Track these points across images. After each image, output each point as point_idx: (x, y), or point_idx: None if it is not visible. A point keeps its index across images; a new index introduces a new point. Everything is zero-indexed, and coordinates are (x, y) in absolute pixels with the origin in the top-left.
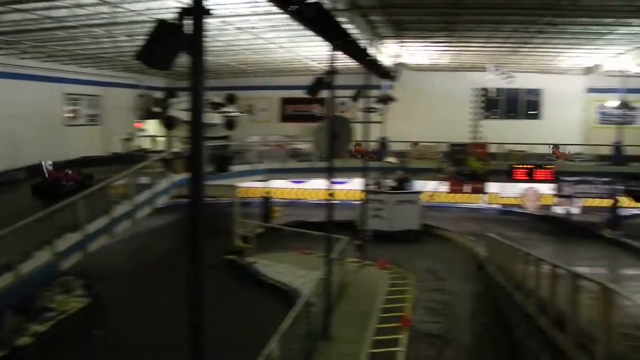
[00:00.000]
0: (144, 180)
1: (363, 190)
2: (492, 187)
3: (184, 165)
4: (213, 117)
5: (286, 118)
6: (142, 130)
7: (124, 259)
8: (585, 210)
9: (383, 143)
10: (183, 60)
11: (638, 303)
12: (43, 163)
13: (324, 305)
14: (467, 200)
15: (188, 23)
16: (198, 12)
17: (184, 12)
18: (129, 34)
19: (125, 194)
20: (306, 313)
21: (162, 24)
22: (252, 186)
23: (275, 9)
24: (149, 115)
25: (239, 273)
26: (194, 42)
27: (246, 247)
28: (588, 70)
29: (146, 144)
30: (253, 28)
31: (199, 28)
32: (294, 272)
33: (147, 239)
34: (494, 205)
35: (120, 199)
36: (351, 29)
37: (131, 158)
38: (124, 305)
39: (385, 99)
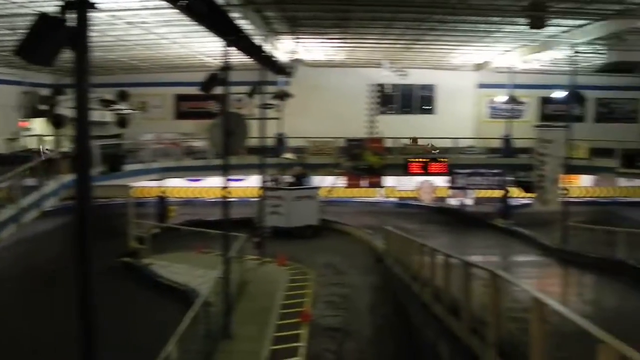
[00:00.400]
0: (30, 182)
1: (261, 187)
2: (389, 180)
3: (71, 166)
4: (104, 115)
5: (181, 115)
6: (28, 129)
7: (10, 265)
8: (478, 201)
9: (280, 139)
10: (68, 55)
11: (524, 288)
12: None
13: (223, 304)
14: (365, 194)
15: (72, 17)
16: (82, 5)
17: (67, 5)
18: (10, 27)
19: (9, 197)
20: (205, 313)
21: (43, 17)
22: (146, 185)
23: (165, 3)
24: (34, 113)
25: (134, 275)
26: (78, 37)
27: (142, 248)
28: (478, 67)
29: (32, 143)
30: (144, 23)
31: (83, 22)
32: (192, 272)
33: (35, 244)
34: (391, 199)
35: (4, 203)
36: (245, 24)
37: (16, 159)
38: (8, 311)
39: (282, 95)
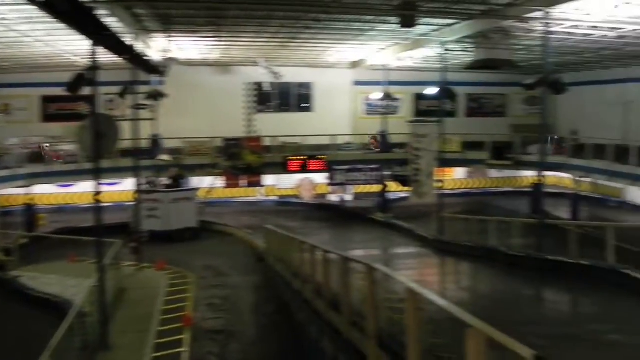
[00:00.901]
0: None
1: (136, 191)
2: (269, 179)
3: None
4: None
5: (49, 118)
6: None
7: None
8: (358, 196)
9: (155, 140)
10: None
11: (398, 279)
12: None
13: (100, 314)
14: (245, 194)
15: None
16: None
17: None
18: None
19: None
20: (80, 324)
21: None
22: (12, 193)
23: None
24: None
25: (2, 289)
26: None
27: (9, 260)
28: (354, 65)
29: None
30: (3, 19)
31: None
32: (65, 282)
33: None
34: (272, 197)
35: None
36: (113, 22)
37: None
38: None
39: (156, 95)
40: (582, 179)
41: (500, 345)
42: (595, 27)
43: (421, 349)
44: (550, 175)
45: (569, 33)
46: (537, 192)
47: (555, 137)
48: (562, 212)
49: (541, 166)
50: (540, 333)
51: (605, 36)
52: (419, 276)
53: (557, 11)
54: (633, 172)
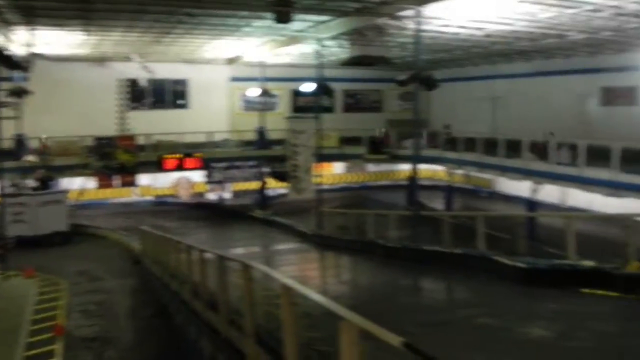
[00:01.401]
0: None
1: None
2: (144, 179)
3: None
4: None
5: None
6: None
7: None
8: (237, 194)
9: (20, 140)
10: None
11: (273, 275)
12: None
13: None
14: (119, 194)
15: None
16: None
17: None
18: None
19: None
20: None
21: None
22: None
23: None
24: None
25: None
26: None
27: None
28: (231, 61)
29: None
30: None
31: None
32: None
33: None
34: (148, 198)
35: None
36: None
37: None
38: None
39: (19, 92)
40: (455, 171)
41: (373, 335)
42: (463, 27)
43: (297, 343)
44: (425, 168)
45: (439, 31)
46: (412, 185)
47: (429, 131)
48: (437, 203)
49: (415, 160)
50: (416, 321)
51: (473, 35)
52: (300, 271)
53: (428, 10)
54: (501, 164)
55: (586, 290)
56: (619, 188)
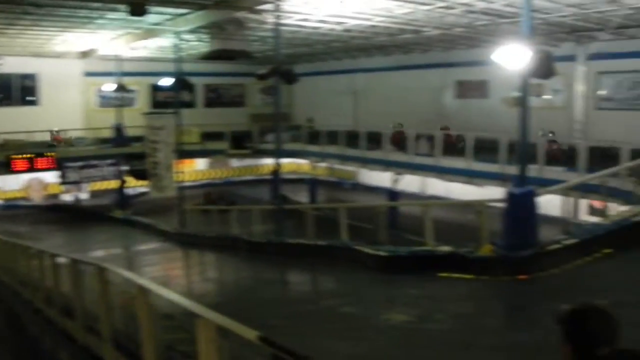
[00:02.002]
0: None
1: None
2: None
3: None
4: None
5: None
6: None
7: None
8: (95, 194)
9: None
10: None
11: (127, 277)
12: None
13: None
14: None
15: None
16: None
17: None
18: None
19: None
20: None
21: None
22: None
23: None
24: None
25: None
26: None
27: None
28: (84, 54)
29: None
30: None
31: None
32: None
33: None
34: None
35: None
36: None
37: None
38: None
39: None
40: (319, 164)
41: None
42: (323, 21)
43: (156, 344)
44: (289, 162)
45: (299, 25)
46: (275, 179)
47: (292, 125)
48: (302, 196)
49: (278, 154)
50: (280, 313)
51: (333, 29)
52: (163, 271)
53: (287, 4)
54: (363, 156)
55: (444, 274)
56: (473, 176)
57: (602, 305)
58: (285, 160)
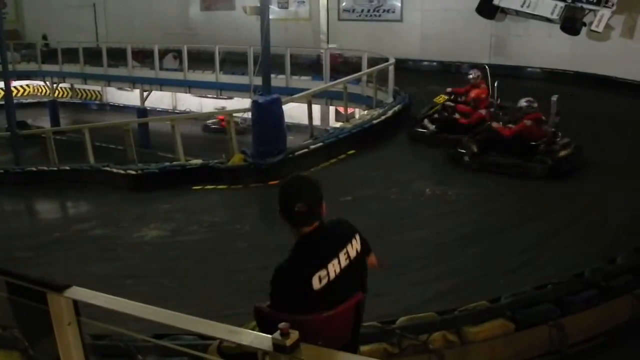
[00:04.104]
0: None
1: None
2: None
3: None
4: None
5: None
6: None
7: None
8: None
9: None
10: None
11: None
12: None
13: None
14: None
15: None
16: None
17: None
18: None
19: None
20: None
21: None
22: None
23: None
24: None
25: None
26: None
27: None
28: None
29: None
30: None
31: None
32: None
33: None
34: None
35: None
36: None
37: None
38: None
39: None
40: (60, 85)
41: None
42: None
43: None
44: (24, 84)
45: None
46: (8, 103)
47: (24, 43)
48: (44, 121)
49: (6, 75)
50: (28, 245)
51: None
52: None
53: None
54: (107, 73)
55: (197, 187)
56: (223, 89)
57: (304, 175)
58: (18, 83)
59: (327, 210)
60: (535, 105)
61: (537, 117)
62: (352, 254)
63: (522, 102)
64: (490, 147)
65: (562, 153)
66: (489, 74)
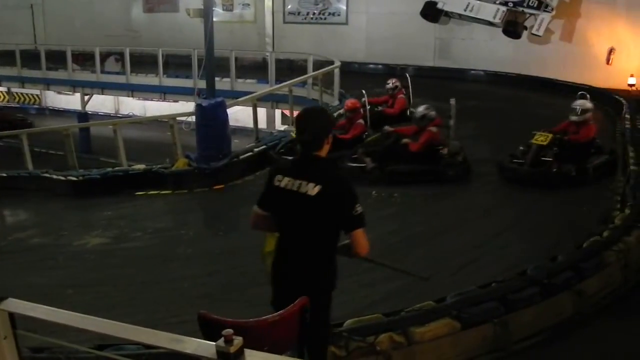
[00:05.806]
0: None
1: None
2: None
3: None
4: None
5: None
6: None
7: None
8: None
9: None
10: None
11: None
12: None
13: None
14: None
15: None
16: None
17: None
18: None
19: None
20: None
21: None
22: None
23: None
24: None
25: None
26: None
27: None
28: None
29: None
30: None
31: None
32: None
33: None
34: None
35: None
36: None
37: None
38: None
39: None
40: None
41: None
42: None
43: None
44: None
45: None
46: None
47: None
48: None
49: None
50: None
51: None
52: None
53: None
54: (46, 77)
55: (140, 193)
56: (167, 92)
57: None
58: None
59: None
60: (434, 112)
61: (438, 123)
62: (303, 190)
63: (422, 110)
64: (394, 158)
65: (458, 157)
66: (410, 83)
